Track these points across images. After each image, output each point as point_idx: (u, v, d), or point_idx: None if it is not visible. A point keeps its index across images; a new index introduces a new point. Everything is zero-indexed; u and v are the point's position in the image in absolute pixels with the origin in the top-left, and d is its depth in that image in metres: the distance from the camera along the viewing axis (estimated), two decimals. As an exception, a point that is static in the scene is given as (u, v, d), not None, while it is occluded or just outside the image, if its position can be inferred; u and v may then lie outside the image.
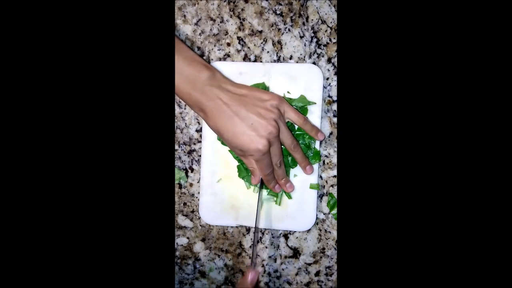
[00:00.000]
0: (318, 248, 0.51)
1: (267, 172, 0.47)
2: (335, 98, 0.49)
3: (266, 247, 0.52)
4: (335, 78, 0.49)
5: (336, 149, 0.50)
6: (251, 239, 0.52)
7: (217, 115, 0.45)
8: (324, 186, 0.51)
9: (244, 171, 0.49)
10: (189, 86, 0.44)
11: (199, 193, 0.52)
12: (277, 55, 0.50)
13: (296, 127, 0.49)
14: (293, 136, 0.48)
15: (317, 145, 0.49)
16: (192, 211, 0.53)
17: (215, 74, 0.46)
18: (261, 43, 0.50)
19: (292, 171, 0.50)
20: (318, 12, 0.49)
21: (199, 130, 0.51)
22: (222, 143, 0.49)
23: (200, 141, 0.51)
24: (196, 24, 0.50)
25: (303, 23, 0.49)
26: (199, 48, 0.51)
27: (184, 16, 0.50)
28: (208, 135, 0.50)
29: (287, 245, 0.52)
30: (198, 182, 0.52)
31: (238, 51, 0.50)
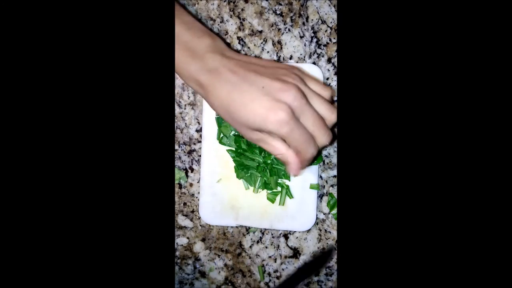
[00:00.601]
0: (318, 248, 0.51)
1: (310, 150, 0.35)
2: (335, 98, 0.50)
3: (266, 247, 0.52)
4: (335, 78, 0.49)
5: (336, 149, 0.50)
6: (251, 239, 0.52)
7: (220, 86, 0.35)
8: (324, 186, 0.51)
9: (242, 172, 0.49)
10: (187, 53, 0.36)
11: (199, 193, 0.52)
12: (277, 55, 0.50)
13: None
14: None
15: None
16: (192, 211, 0.53)
17: (218, 42, 0.38)
18: (261, 43, 0.50)
19: (292, 171, 0.50)
20: (318, 12, 0.49)
21: (199, 130, 0.51)
22: (221, 141, 0.49)
23: (200, 141, 0.51)
24: (196, 24, 0.50)
25: (303, 23, 0.49)
26: (199, 48, 0.51)
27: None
28: (208, 135, 0.50)
29: (287, 245, 0.52)
30: (198, 182, 0.52)
31: (238, 51, 0.50)
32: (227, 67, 0.35)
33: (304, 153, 0.36)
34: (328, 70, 0.49)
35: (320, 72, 0.48)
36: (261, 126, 0.35)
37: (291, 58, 0.49)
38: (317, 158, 0.48)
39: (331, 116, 0.37)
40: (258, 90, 0.34)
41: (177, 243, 0.53)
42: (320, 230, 0.51)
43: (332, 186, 0.51)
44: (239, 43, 0.50)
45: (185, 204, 0.53)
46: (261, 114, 0.34)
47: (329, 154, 0.50)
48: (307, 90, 0.36)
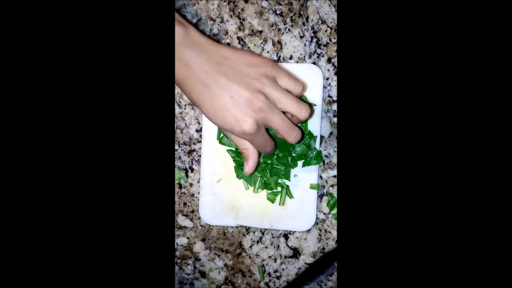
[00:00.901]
0: (318, 248, 0.51)
1: (268, 150, 0.41)
2: (335, 98, 0.49)
3: (266, 247, 0.52)
4: (335, 78, 0.49)
5: (336, 149, 0.50)
6: (251, 239, 0.52)
7: (192, 84, 0.36)
8: (324, 186, 0.51)
9: (242, 172, 0.49)
10: None
11: (199, 193, 0.52)
12: (277, 55, 0.50)
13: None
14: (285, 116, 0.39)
15: (317, 145, 0.49)
16: (192, 211, 0.53)
17: (190, 32, 0.37)
18: (261, 43, 0.50)
19: (292, 171, 0.50)
20: (318, 12, 0.49)
21: (199, 130, 0.51)
22: (221, 141, 0.49)
23: (200, 141, 0.51)
24: (196, 24, 0.50)
25: (303, 23, 0.49)
26: (199, 48, 0.51)
27: (184, 16, 0.50)
28: (208, 135, 0.50)
29: (287, 245, 0.52)
30: (198, 182, 0.52)
31: (238, 51, 0.50)
32: (198, 65, 0.36)
33: (262, 151, 0.41)
34: (328, 70, 0.49)
35: (320, 72, 0.48)
36: (229, 130, 0.38)
37: (291, 58, 0.50)
38: (317, 158, 0.48)
39: (300, 114, 0.39)
40: (227, 99, 0.36)
41: (177, 243, 0.53)
42: (320, 230, 0.51)
43: (332, 186, 0.50)
44: (239, 43, 0.50)
45: (185, 204, 0.53)
46: (228, 122, 0.37)
47: (329, 154, 0.50)
48: (275, 93, 0.38)
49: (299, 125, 0.49)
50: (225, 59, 0.37)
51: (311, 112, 0.41)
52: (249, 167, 0.41)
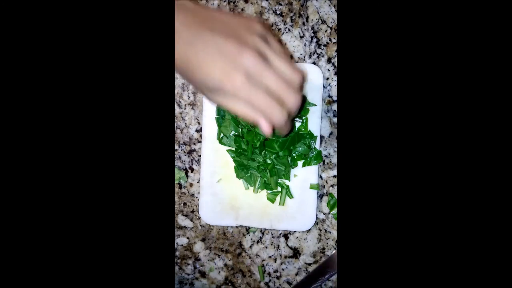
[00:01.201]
0: (318, 248, 0.51)
1: (277, 114, 0.33)
2: (335, 98, 0.49)
3: (266, 247, 0.52)
4: (335, 78, 0.49)
5: (336, 149, 0.50)
6: (251, 239, 0.52)
7: (175, 43, 0.33)
8: (324, 186, 0.51)
9: (242, 172, 0.49)
10: None
11: (199, 193, 0.52)
12: (277, 55, 0.50)
13: (296, 126, 0.49)
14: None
15: (317, 145, 0.49)
16: (192, 211, 0.53)
17: None
18: (261, 43, 0.50)
19: (292, 171, 0.50)
20: (318, 12, 0.49)
21: (199, 130, 0.51)
22: (221, 141, 0.49)
23: (200, 141, 0.51)
24: (196, 24, 0.50)
25: (303, 23, 0.49)
26: (199, 48, 0.51)
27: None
28: (208, 135, 0.50)
29: (287, 245, 0.52)
30: (198, 182, 0.52)
31: (238, 51, 0.50)
32: (181, 21, 0.32)
33: (270, 117, 0.34)
34: (328, 70, 0.49)
35: (320, 72, 0.48)
36: (219, 88, 0.33)
37: (291, 58, 0.49)
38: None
39: (294, 76, 0.34)
40: (213, 51, 0.31)
41: (177, 243, 0.53)
42: (320, 230, 0.51)
43: (332, 186, 0.50)
44: (239, 43, 0.50)
45: (185, 204, 0.53)
46: (217, 78, 0.32)
47: (329, 154, 0.50)
48: (268, 51, 0.33)
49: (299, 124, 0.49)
50: (212, 16, 0.33)
51: (305, 78, 0.35)
52: (264, 129, 0.33)
